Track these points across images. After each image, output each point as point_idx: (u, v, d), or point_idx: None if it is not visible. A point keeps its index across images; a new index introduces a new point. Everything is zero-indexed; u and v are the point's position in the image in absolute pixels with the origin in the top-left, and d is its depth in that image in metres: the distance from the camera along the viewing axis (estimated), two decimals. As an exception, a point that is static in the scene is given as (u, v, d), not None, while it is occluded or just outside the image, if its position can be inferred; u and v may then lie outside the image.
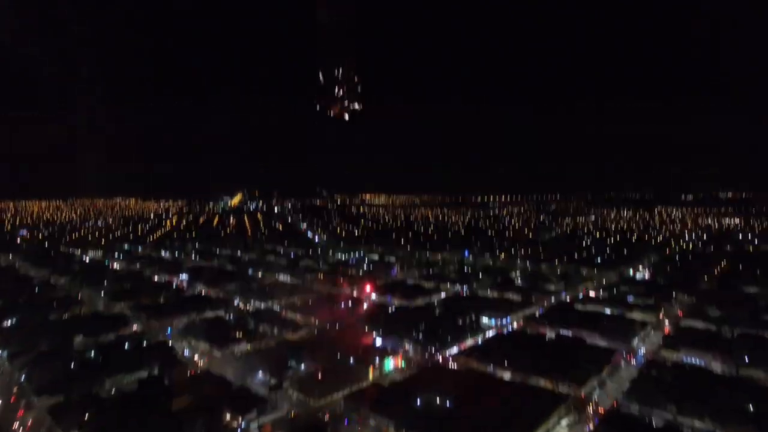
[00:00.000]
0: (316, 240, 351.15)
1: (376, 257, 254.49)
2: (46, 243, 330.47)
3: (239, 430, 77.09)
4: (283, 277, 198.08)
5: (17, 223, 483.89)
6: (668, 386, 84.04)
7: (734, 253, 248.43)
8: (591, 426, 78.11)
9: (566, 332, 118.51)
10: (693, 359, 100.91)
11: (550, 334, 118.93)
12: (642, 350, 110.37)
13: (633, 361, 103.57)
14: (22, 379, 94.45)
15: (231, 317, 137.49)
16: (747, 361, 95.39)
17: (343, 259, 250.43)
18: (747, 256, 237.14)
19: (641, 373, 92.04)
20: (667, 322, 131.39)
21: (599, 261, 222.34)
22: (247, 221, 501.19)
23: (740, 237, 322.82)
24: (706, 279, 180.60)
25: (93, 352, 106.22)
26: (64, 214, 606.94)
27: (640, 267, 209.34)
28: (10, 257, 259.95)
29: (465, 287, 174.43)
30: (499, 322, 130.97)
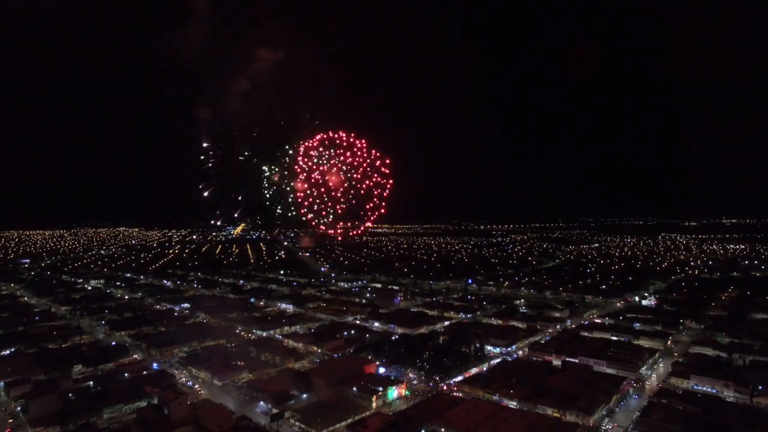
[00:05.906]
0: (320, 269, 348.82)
1: (378, 285, 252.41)
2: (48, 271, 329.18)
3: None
4: (285, 306, 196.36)
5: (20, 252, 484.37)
6: (679, 415, 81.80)
7: (741, 280, 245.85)
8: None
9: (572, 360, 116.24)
10: (704, 387, 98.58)
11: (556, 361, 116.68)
12: (651, 378, 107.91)
13: (642, 389, 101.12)
14: (18, 410, 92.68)
15: (232, 346, 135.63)
16: (761, 389, 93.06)
17: (346, 287, 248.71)
18: (754, 283, 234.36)
19: (651, 402, 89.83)
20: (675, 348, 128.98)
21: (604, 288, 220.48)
22: (249, 250, 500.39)
23: (746, 263, 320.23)
24: (713, 305, 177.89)
25: (91, 381, 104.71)
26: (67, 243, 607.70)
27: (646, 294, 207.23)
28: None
29: (469, 315, 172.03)
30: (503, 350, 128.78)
